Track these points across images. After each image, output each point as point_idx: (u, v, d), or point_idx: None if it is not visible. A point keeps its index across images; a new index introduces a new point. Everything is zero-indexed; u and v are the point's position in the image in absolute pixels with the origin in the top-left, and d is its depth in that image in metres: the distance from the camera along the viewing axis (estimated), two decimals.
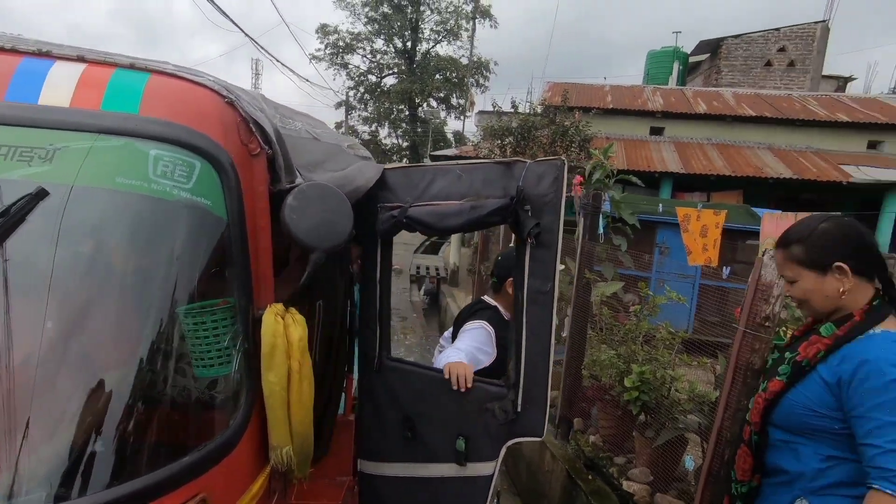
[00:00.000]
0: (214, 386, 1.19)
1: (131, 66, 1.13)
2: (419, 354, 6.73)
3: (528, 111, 9.37)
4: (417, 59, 32.77)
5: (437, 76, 32.04)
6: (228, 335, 1.18)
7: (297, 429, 1.27)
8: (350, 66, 32.87)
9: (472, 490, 1.97)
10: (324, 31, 31.86)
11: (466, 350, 2.09)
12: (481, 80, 32.53)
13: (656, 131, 11.89)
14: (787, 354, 1.43)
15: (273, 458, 1.25)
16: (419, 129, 32.82)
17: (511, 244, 4.22)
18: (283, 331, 1.22)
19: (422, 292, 12.00)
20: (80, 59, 1.13)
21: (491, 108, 10.87)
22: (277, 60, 33.50)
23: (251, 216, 1.21)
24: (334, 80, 51.24)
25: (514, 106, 9.22)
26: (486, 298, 2.39)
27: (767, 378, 1.47)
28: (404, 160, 35.37)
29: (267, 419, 1.22)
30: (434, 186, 1.85)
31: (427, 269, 11.73)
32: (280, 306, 1.24)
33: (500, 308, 2.30)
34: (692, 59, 16.63)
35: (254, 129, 1.21)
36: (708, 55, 16.19)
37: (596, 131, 8.57)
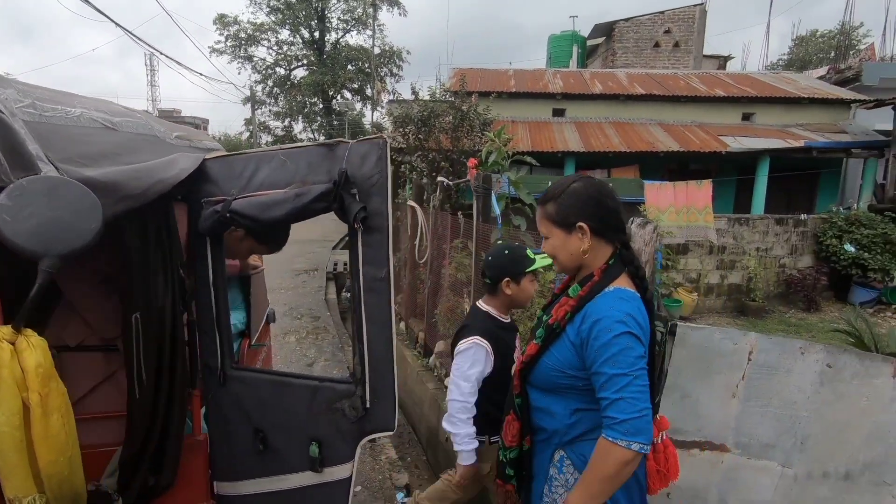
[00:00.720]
0: None
1: None
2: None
3: (431, 98, 9.28)
4: (327, 49, 31.74)
5: (350, 66, 31.24)
6: None
7: (50, 470, 1.06)
8: (255, 59, 31.26)
9: (331, 495, 1.85)
10: (222, 21, 30.00)
11: (463, 378, 2.05)
12: (395, 70, 32.15)
13: (558, 113, 12.23)
14: (544, 317, 1.48)
15: None
16: (335, 122, 31.93)
17: (497, 240, 4.12)
18: (9, 358, 1.01)
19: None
20: None
21: (406, 97, 10.70)
22: (161, 53, 30.92)
23: None
24: (239, 74, 48.63)
25: (414, 92, 9.06)
26: (480, 304, 2.26)
27: (527, 341, 1.54)
28: None
29: None
30: (259, 175, 1.68)
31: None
32: (7, 329, 1.03)
33: (494, 312, 2.19)
34: (590, 43, 17.29)
35: None
36: (603, 38, 16.91)
37: (496, 115, 8.64)
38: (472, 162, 5.33)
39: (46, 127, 1.34)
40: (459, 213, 5.88)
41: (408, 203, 7.26)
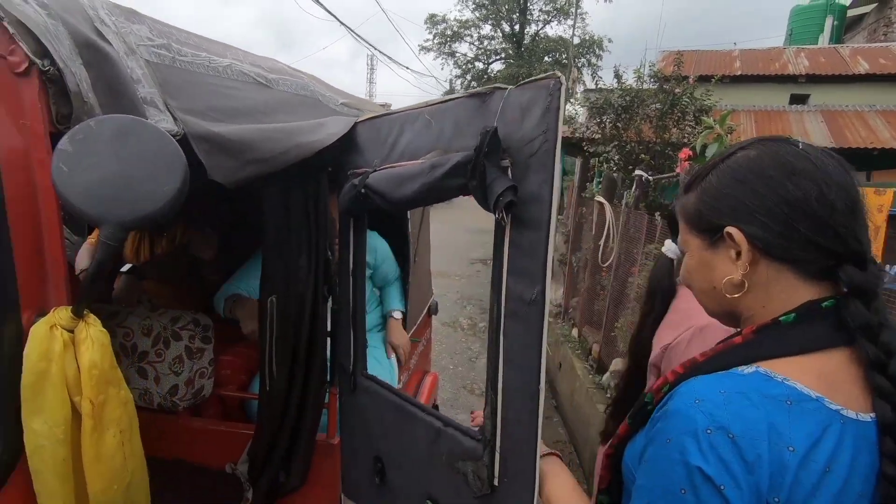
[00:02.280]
0: None
1: None
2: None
3: (637, 81, 8.22)
4: (525, 42, 31.65)
5: (546, 58, 30.66)
6: None
7: (101, 499, 0.82)
8: (457, 55, 32.68)
9: None
10: (432, 20, 31.99)
11: None
12: (594, 60, 30.54)
13: (798, 99, 9.90)
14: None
15: None
16: None
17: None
18: (61, 350, 0.77)
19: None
20: None
21: (606, 87, 9.76)
22: (374, 48, 33.71)
23: (14, 168, 0.78)
24: (442, 69, 51.77)
25: (617, 76, 8.08)
26: None
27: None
28: None
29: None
30: (402, 140, 1.30)
31: None
32: (64, 313, 0.80)
33: None
34: (852, 13, 13.73)
35: (12, 32, 0.76)
36: (875, 5, 13.22)
37: (715, 102, 7.25)
38: (684, 153, 4.38)
39: (178, 72, 1.14)
40: (657, 213, 4.94)
41: (595, 198, 6.51)
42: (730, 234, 0.71)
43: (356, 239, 1.54)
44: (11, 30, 0.76)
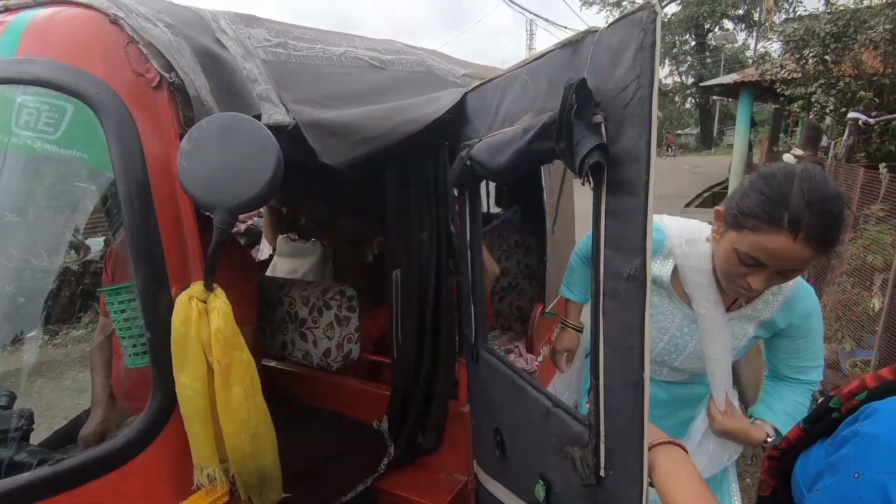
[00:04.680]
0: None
1: (34, 4, 0.97)
2: None
3: (853, 3, 6.55)
4: None
5: None
6: (139, 321, 0.97)
7: (232, 443, 0.97)
8: (624, 5, 29.87)
9: None
10: None
11: None
12: None
13: None
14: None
15: (197, 478, 0.99)
16: (708, 60, 27.77)
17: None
18: (197, 317, 0.93)
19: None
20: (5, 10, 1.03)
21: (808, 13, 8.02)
22: (529, 11, 31.93)
23: (159, 168, 0.94)
24: (607, 24, 47.96)
25: None
26: None
27: None
28: (688, 101, 30.77)
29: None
30: (504, 105, 1.24)
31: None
32: (198, 287, 0.95)
33: None
34: None
35: (146, 52, 0.91)
36: None
37: None
38: None
39: (293, 66, 1.24)
40: (883, 166, 3.94)
41: (791, 152, 5.44)
42: None
43: (473, 209, 1.53)
44: (145, 51, 0.91)
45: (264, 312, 2.04)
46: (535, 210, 2.50)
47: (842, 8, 6.13)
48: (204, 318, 0.94)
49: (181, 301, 0.93)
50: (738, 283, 1.12)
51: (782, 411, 1.32)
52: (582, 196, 1.55)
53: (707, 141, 31.11)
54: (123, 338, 1.00)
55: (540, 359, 2.52)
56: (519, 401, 1.34)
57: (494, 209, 3.47)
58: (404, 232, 1.67)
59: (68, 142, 0.89)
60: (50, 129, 0.88)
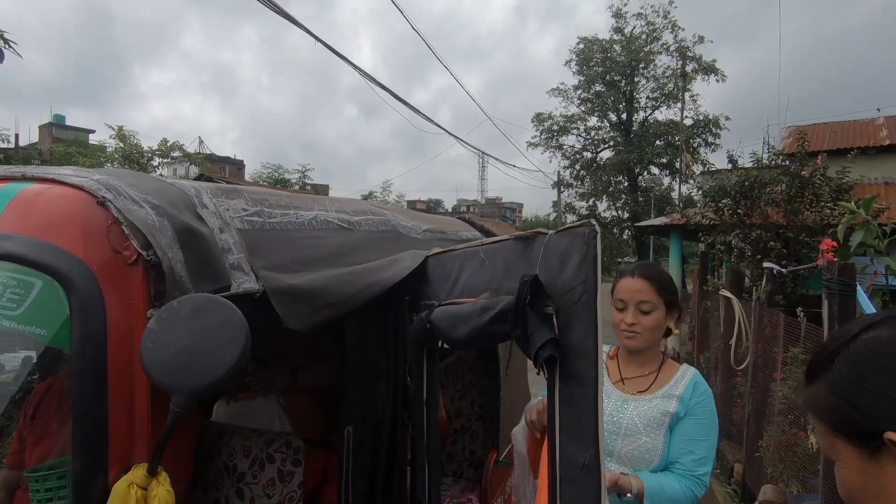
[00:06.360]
0: None
1: (21, 178, 1.02)
2: None
3: (756, 164, 7.65)
4: (634, 128, 31.60)
5: (658, 142, 30.17)
6: None
7: None
8: (564, 147, 33.46)
9: None
10: (539, 119, 33.52)
11: None
12: (710, 139, 29.36)
13: None
14: None
15: None
16: (640, 199, 30.85)
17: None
18: None
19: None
20: None
21: (722, 167, 9.23)
22: (480, 151, 35.76)
23: (121, 341, 0.93)
24: (550, 162, 53.13)
25: (731, 160, 7.62)
26: None
27: None
28: (625, 233, 33.40)
29: None
30: (462, 276, 1.34)
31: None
32: (140, 471, 0.89)
33: None
34: None
35: (128, 232, 0.95)
36: None
37: (859, 178, 6.44)
38: (826, 244, 3.88)
39: (266, 233, 1.32)
40: (799, 309, 4.32)
41: (720, 293, 5.91)
42: (894, 442, 0.59)
43: (430, 369, 1.56)
44: (127, 231, 0.95)
45: (198, 463, 1.88)
46: (489, 348, 2.54)
47: (745, 169, 7.13)
48: None
49: (118, 489, 0.87)
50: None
51: (656, 479, 1.49)
52: None
53: None
54: None
55: None
56: None
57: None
58: (362, 384, 1.65)
59: (29, 318, 0.88)
60: (13, 305, 0.87)
